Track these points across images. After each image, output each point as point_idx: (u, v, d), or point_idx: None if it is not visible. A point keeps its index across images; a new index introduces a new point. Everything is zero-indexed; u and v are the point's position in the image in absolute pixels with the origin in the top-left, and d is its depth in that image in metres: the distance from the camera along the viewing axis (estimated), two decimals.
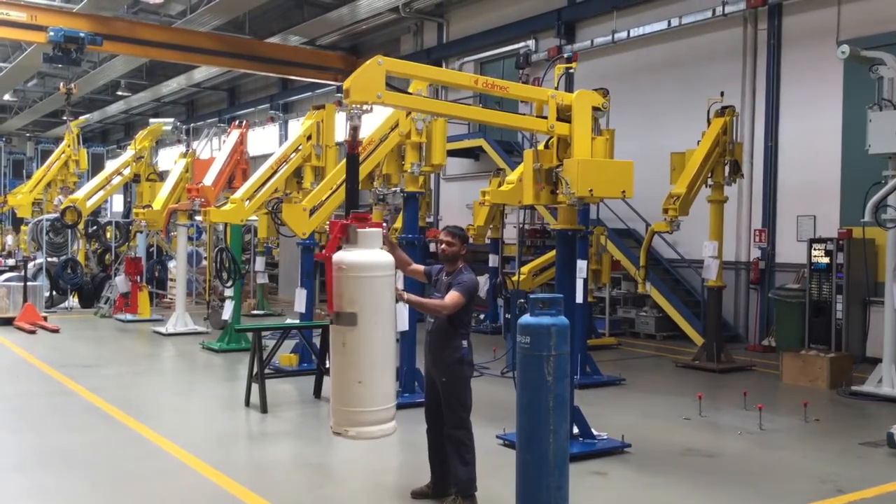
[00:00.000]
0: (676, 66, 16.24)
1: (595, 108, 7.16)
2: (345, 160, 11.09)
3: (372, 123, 11.87)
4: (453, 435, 5.73)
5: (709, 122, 12.13)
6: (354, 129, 5.76)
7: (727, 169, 12.13)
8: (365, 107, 6.00)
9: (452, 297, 5.63)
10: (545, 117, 7.13)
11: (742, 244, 15.14)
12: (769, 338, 14.21)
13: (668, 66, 16.41)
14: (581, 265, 9.72)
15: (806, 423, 8.71)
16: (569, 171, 6.88)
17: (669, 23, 15.92)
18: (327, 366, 9.59)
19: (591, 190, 6.82)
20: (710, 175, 11.99)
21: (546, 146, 7.36)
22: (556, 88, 7.58)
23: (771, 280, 14.60)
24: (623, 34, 16.77)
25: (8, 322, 15.60)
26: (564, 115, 7.10)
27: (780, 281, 14.30)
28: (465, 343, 5.76)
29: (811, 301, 12.85)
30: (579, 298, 9.34)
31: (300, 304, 11.33)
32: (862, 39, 12.43)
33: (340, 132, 21.83)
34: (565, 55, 8.62)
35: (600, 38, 17.34)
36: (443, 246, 5.94)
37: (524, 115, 7.51)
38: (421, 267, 6.20)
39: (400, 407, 8.67)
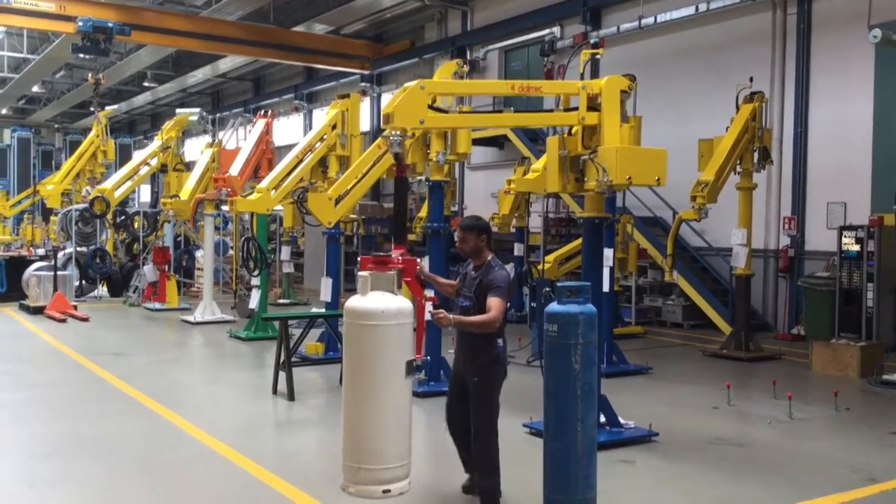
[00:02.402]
0: (704, 51, 16.05)
1: (622, 91, 7.10)
2: (369, 150, 11.13)
3: None
4: (480, 440, 5.36)
5: (737, 109, 11.98)
6: (397, 156, 5.64)
7: (756, 156, 11.99)
8: (407, 132, 5.91)
9: (495, 305, 5.19)
10: (574, 109, 7.07)
11: (771, 232, 14.98)
12: (798, 326, 14.06)
13: (695, 52, 16.22)
14: (607, 254, 9.64)
15: (836, 413, 8.61)
16: (606, 158, 6.80)
17: (697, 8, 15.72)
18: None
19: (629, 177, 6.75)
20: (738, 162, 11.86)
21: (569, 133, 7.30)
22: (582, 76, 7.53)
23: (800, 268, 14.43)
24: (650, 20, 16.58)
25: (39, 311, 15.82)
26: (593, 103, 7.04)
27: (810, 269, 14.13)
28: (500, 342, 5.36)
29: (841, 289, 12.67)
30: (606, 287, 9.28)
31: (326, 293, 11.37)
32: (894, 23, 12.20)
33: (365, 121, 21.85)
34: (591, 41, 8.54)
35: (627, 25, 17.16)
36: (458, 244, 5.54)
37: (552, 111, 7.40)
38: (454, 282, 5.72)
39: (426, 395, 8.75)
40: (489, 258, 5.44)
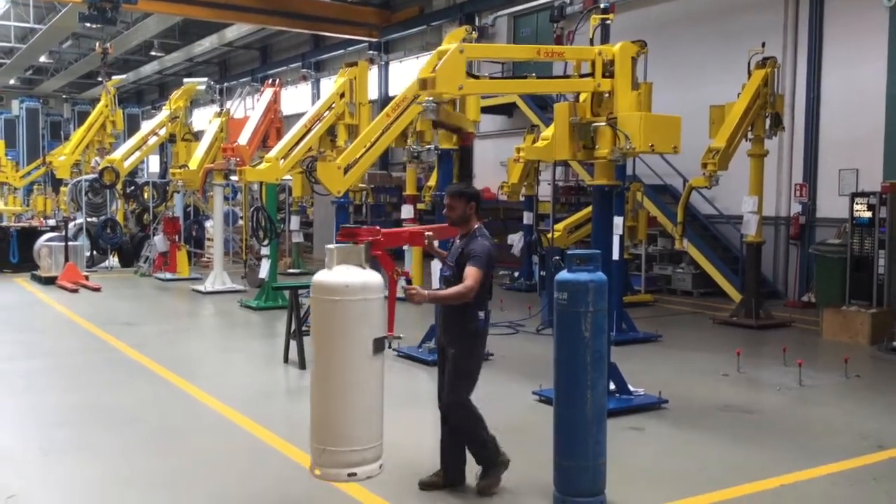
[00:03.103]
0: (716, 16, 15.84)
1: (632, 58, 7.04)
2: (377, 119, 11.06)
3: (405, 81, 11.70)
4: (452, 416, 5.13)
5: (749, 74, 11.85)
6: (441, 124, 5.49)
7: (768, 122, 11.88)
8: (443, 98, 5.79)
9: (471, 274, 4.94)
10: (588, 75, 6.99)
11: (782, 199, 14.89)
12: (809, 294, 14.03)
13: (707, 17, 16.01)
14: (617, 221, 9.62)
15: (846, 380, 8.61)
16: (628, 124, 6.74)
17: None
18: None
19: (651, 145, 6.71)
20: (750, 128, 11.76)
21: (576, 100, 7.24)
22: (591, 41, 7.45)
23: (811, 235, 14.37)
24: None
25: (51, 281, 15.93)
26: (607, 69, 6.97)
27: (821, 236, 14.06)
28: (481, 314, 5.07)
29: (852, 256, 12.59)
30: (616, 255, 9.27)
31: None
32: None
33: (373, 89, 21.67)
34: (601, 6, 8.42)
35: None
36: (445, 211, 5.26)
37: (570, 76, 7.29)
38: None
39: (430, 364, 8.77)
40: (475, 227, 5.17)
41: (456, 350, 5.11)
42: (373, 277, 4.54)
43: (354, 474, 4.49)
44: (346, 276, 4.48)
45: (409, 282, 5.05)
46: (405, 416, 6.78)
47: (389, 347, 4.56)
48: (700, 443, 6.51)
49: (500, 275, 17.38)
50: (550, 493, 5.02)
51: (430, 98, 5.70)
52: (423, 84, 5.87)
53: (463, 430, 5.18)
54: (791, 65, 14.57)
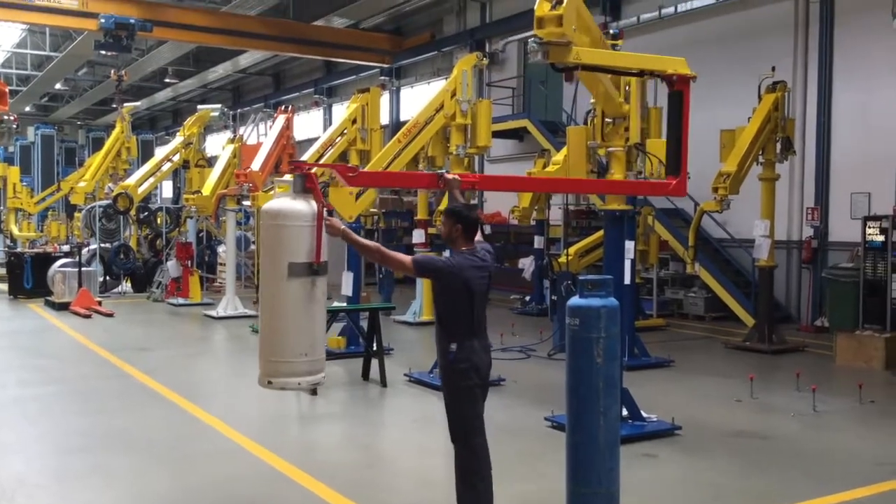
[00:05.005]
0: (726, 41, 15.91)
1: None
2: (389, 144, 11.12)
3: (416, 106, 11.77)
4: (455, 453, 4.90)
5: (760, 98, 11.88)
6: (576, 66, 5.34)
7: (779, 146, 11.89)
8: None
9: (401, 255, 4.95)
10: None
11: (794, 223, 14.85)
12: (822, 318, 13.94)
13: (716, 42, 16.08)
14: (629, 246, 9.62)
15: (861, 405, 8.54)
16: (661, 151, 6.78)
17: None
18: (375, 348, 9.71)
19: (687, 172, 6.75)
20: (761, 152, 11.77)
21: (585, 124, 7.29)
22: None
23: (824, 259, 14.31)
24: (670, 9, 16.47)
25: (64, 307, 16.00)
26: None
27: (834, 260, 14.00)
28: (453, 346, 4.77)
29: (865, 280, 12.54)
30: (627, 279, 9.26)
31: (347, 288, 11.41)
32: None
33: (385, 115, 21.79)
34: (611, 31, 8.49)
35: (647, 14, 17.05)
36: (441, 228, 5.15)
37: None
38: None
39: None
40: (462, 250, 4.91)
41: (443, 385, 4.94)
42: (288, 205, 4.67)
43: (300, 384, 5.00)
44: (274, 203, 4.80)
45: (331, 213, 5.02)
46: (413, 442, 6.77)
47: (315, 273, 4.70)
48: (714, 470, 6.46)
49: (512, 299, 17.37)
50: None
51: (541, 37, 5.55)
52: (540, 23, 5.65)
53: (456, 469, 4.93)
54: (801, 89, 14.59)
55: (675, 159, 5.42)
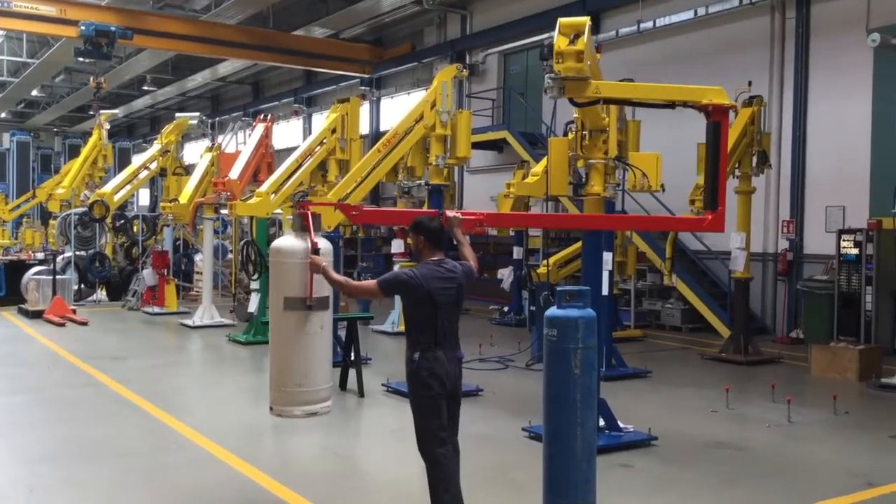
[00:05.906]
0: (703, 55, 16.08)
1: None
2: (369, 154, 11.12)
3: (396, 117, 11.79)
4: (425, 460, 4.93)
5: (736, 113, 12.00)
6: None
7: (755, 159, 12.01)
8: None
9: (365, 283, 5.23)
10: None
11: (770, 235, 15.00)
12: (797, 330, 14.08)
13: (694, 56, 16.25)
14: (607, 257, 9.67)
15: (835, 416, 8.61)
16: (646, 164, 6.85)
17: (696, 12, 15.77)
18: (353, 358, 9.67)
19: (662, 184, 6.85)
20: (737, 166, 11.88)
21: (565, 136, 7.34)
22: None
23: (799, 271, 14.45)
24: (649, 24, 16.62)
25: (38, 315, 15.81)
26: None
27: (809, 272, 14.15)
28: (415, 355, 4.85)
29: (840, 292, 12.70)
30: (605, 290, 9.30)
31: None
32: (892, 27, 12.24)
33: (364, 125, 21.81)
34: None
35: (625, 29, 17.20)
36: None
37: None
38: (471, 256, 5.30)
39: None
40: (429, 260, 4.99)
41: (409, 391, 5.03)
42: (285, 243, 5.14)
43: (295, 413, 5.42)
44: (277, 241, 5.28)
45: (316, 252, 5.20)
46: (391, 452, 6.73)
47: (308, 308, 5.12)
48: (690, 480, 6.49)
49: (491, 309, 17.38)
50: None
51: (558, 73, 5.56)
52: (560, 58, 5.58)
53: (429, 474, 4.93)
54: (777, 103, 14.77)
55: (713, 193, 5.34)
